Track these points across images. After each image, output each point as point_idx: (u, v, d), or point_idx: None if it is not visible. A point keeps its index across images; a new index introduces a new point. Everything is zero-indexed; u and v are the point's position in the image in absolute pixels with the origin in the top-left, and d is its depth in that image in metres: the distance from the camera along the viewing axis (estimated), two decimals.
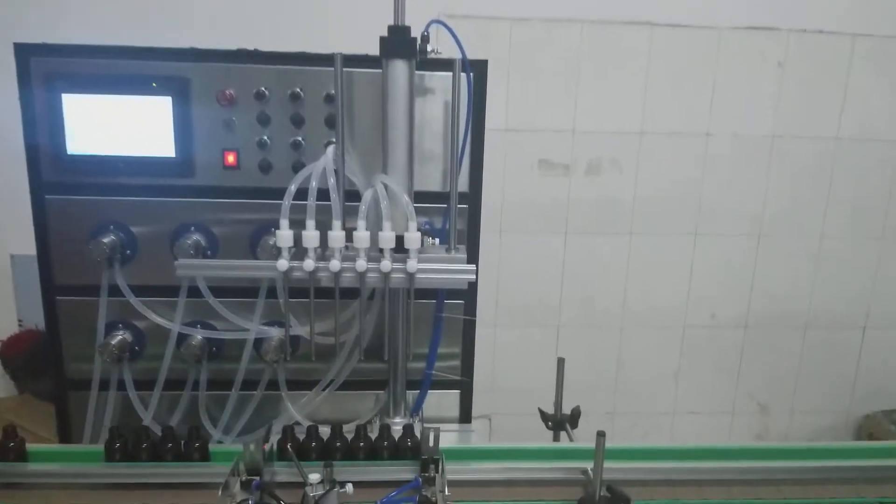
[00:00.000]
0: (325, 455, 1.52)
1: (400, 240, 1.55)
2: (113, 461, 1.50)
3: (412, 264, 1.53)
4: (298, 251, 1.56)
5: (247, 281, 1.78)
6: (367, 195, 1.54)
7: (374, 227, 1.54)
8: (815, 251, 3.10)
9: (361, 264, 1.52)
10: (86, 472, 1.48)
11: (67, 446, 1.82)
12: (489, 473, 1.51)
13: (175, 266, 1.60)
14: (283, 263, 1.52)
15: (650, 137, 2.94)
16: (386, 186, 1.55)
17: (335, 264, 1.52)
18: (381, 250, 1.54)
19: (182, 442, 1.53)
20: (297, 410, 1.82)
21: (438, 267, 1.58)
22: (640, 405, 3.22)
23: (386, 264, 1.53)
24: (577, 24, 2.80)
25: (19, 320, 2.88)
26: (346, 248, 1.57)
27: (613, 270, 3.06)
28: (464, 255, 1.62)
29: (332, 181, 1.57)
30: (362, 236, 1.53)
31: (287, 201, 1.52)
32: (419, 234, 1.54)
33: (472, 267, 1.58)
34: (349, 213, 1.57)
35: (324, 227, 1.54)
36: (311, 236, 1.53)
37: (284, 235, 1.53)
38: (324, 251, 1.56)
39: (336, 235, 1.54)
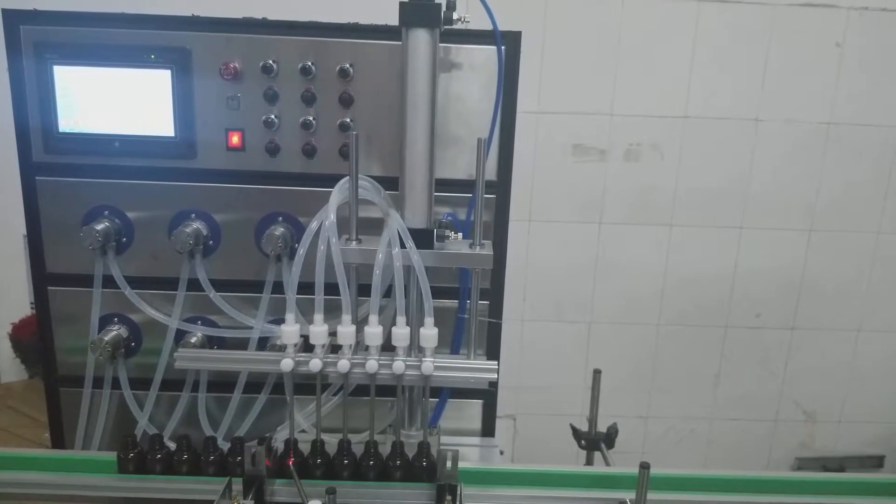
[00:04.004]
0: (330, 473, 1.42)
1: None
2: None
3: (427, 366, 1.41)
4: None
5: (252, 273, 1.68)
6: (377, 275, 1.38)
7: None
8: (871, 249, 3.00)
9: (372, 365, 1.41)
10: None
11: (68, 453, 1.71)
12: (514, 501, 1.39)
13: (174, 357, 1.52)
14: (287, 363, 1.41)
15: (694, 122, 2.84)
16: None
17: (344, 364, 1.40)
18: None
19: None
20: (303, 418, 1.68)
21: (456, 364, 1.47)
22: (675, 409, 3.14)
23: (399, 365, 1.41)
24: None
25: (31, 303, 2.83)
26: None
27: (651, 264, 2.97)
28: (489, 252, 1.48)
29: (341, 275, 1.40)
30: (374, 333, 1.41)
31: (293, 279, 1.40)
32: (436, 330, 1.42)
33: (494, 365, 1.47)
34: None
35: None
36: (318, 332, 1.42)
37: (290, 332, 1.42)
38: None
39: (346, 332, 1.42)
